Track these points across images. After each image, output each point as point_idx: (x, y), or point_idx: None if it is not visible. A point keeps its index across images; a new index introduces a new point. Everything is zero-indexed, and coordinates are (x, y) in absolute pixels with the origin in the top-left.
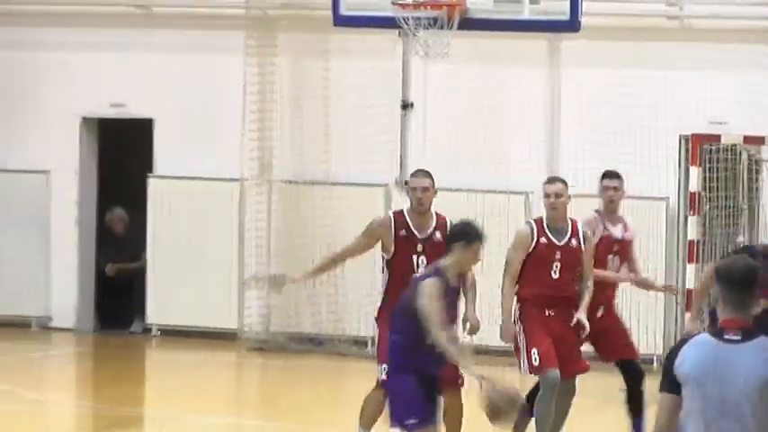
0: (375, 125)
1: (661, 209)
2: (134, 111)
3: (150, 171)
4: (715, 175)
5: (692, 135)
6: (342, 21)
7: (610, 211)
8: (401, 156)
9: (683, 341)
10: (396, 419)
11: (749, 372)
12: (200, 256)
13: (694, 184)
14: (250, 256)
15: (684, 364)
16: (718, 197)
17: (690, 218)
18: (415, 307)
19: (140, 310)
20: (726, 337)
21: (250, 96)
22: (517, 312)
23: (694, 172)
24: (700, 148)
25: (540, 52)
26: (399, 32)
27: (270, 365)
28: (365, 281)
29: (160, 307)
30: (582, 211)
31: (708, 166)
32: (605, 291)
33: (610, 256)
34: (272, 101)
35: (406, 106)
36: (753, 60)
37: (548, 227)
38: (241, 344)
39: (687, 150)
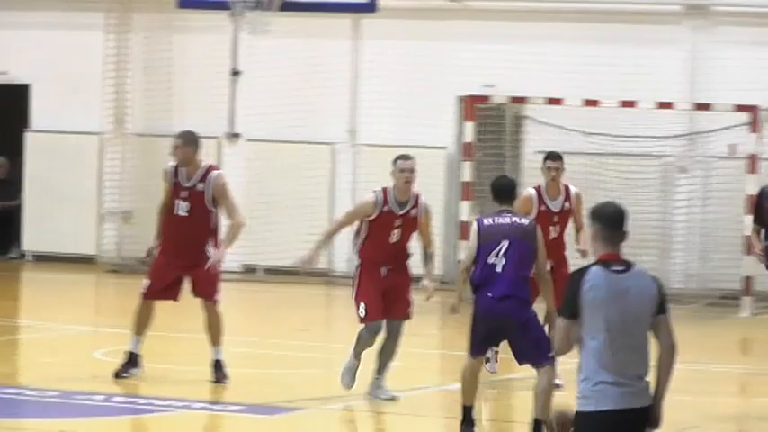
0: (210, 89)
1: (442, 156)
2: (14, 78)
3: (27, 127)
4: (485, 129)
5: (467, 96)
6: (185, 3)
7: (551, 187)
8: (231, 113)
9: (579, 275)
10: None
11: (639, 294)
12: (67, 196)
13: (468, 137)
14: (107, 195)
15: (588, 292)
16: (487, 147)
17: (464, 163)
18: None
19: (17, 239)
20: (613, 268)
21: (108, 66)
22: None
23: (468, 126)
24: (473, 107)
25: (345, 28)
26: (230, 12)
27: (122, 284)
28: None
29: (34, 237)
30: (381, 154)
31: (480, 121)
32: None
33: (551, 227)
34: (126, 69)
35: (235, 73)
36: (518, 35)
37: (394, 198)
38: (99, 267)
39: (463, 109)
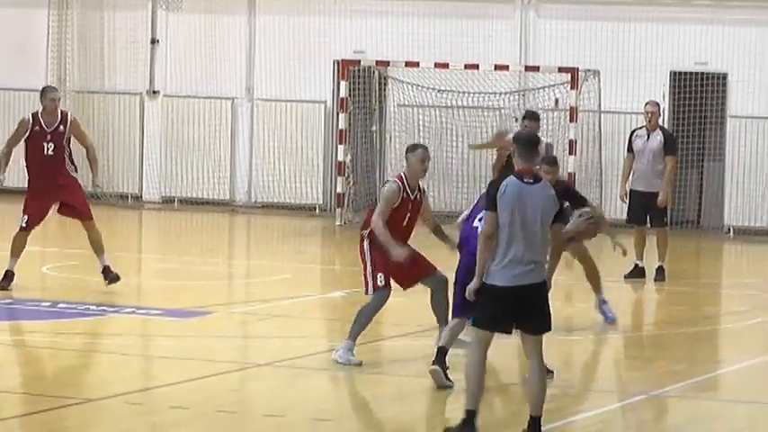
0: (134, 54)
1: (321, 109)
2: None
3: None
4: (357, 87)
5: (342, 60)
6: None
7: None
8: (151, 74)
9: (499, 181)
10: None
11: (539, 201)
12: None
13: (343, 93)
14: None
15: (504, 195)
16: (357, 101)
17: (340, 114)
18: None
19: None
20: (524, 180)
21: (52, 36)
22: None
23: (343, 84)
24: (346, 68)
25: (243, 5)
26: None
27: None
28: (132, 155)
29: None
30: (273, 107)
31: (352, 80)
32: None
33: None
34: (66, 38)
35: (153, 42)
36: (383, 11)
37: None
38: None
39: (338, 70)
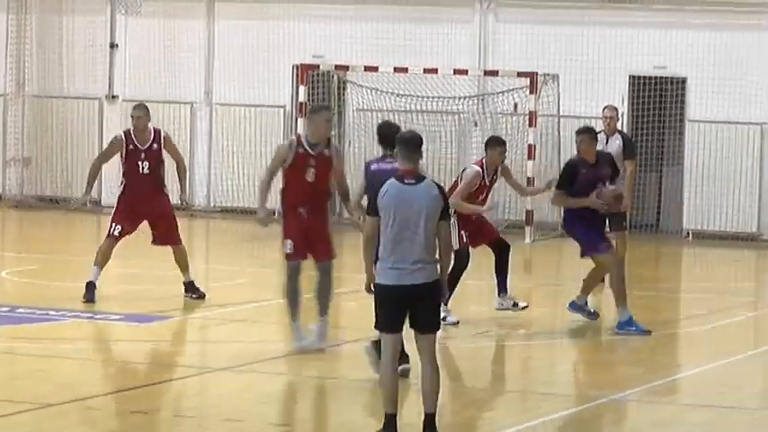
0: (93, 58)
1: (280, 114)
2: None
3: None
4: (316, 91)
5: (301, 64)
6: None
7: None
8: (110, 79)
9: (381, 185)
10: None
11: (421, 202)
12: None
13: (302, 97)
14: (10, 141)
15: (384, 197)
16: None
17: (299, 119)
18: None
19: None
20: (405, 181)
21: (11, 41)
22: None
23: (302, 89)
24: (305, 73)
25: (202, 10)
26: None
27: (24, 217)
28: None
29: None
30: (231, 112)
31: (311, 84)
32: None
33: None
34: (25, 44)
35: (113, 46)
36: (342, 16)
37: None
38: (4, 203)
39: (297, 75)
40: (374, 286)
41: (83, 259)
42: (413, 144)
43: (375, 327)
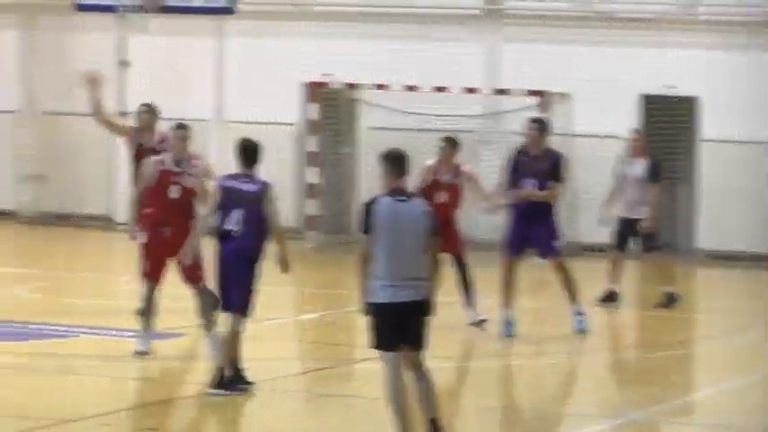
0: (105, 76)
1: (290, 131)
2: None
3: None
4: (326, 109)
5: (311, 82)
6: (82, 8)
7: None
8: (121, 96)
9: (372, 202)
10: None
11: (413, 219)
12: None
13: (313, 115)
14: (22, 158)
15: (378, 215)
16: (327, 123)
17: (309, 136)
18: None
19: None
20: (397, 198)
21: (24, 59)
22: None
23: (313, 107)
24: (316, 91)
25: (211, 28)
26: (118, 15)
27: (37, 234)
28: (101, 176)
29: None
30: (242, 129)
31: (322, 102)
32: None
33: (441, 193)
34: (36, 61)
35: (123, 63)
36: (352, 33)
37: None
38: (18, 220)
39: (308, 92)
40: (367, 306)
41: (95, 276)
42: (402, 161)
43: (371, 346)
